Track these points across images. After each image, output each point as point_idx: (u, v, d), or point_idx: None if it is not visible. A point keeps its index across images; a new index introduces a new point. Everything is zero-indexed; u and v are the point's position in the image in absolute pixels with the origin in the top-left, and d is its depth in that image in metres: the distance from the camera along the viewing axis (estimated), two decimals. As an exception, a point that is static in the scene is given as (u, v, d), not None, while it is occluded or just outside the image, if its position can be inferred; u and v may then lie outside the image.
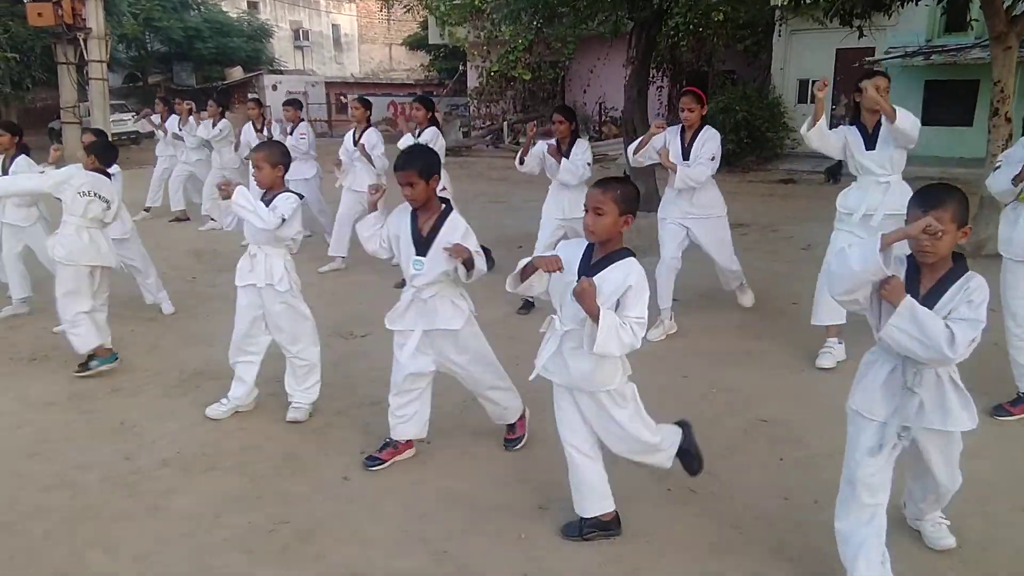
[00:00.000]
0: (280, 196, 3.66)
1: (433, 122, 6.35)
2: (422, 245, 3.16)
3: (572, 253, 2.65)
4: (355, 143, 6.93)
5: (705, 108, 4.94)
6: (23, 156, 5.59)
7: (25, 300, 5.82)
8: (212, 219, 9.24)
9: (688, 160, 4.89)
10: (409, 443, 3.42)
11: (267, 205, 3.63)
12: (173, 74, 28.57)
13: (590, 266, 2.58)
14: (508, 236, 8.31)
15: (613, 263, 2.55)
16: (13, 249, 5.63)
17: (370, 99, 7.24)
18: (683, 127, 4.95)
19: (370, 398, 4.12)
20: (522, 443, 3.56)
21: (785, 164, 15.18)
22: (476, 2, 21.54)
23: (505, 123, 19.76)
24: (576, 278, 2.49)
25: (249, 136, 8.55)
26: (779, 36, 16.95)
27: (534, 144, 5.57)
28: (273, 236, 3.65)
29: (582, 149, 5.54)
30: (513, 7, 10.79)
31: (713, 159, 4.85)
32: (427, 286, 3.17)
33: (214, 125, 9.06)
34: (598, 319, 2.40)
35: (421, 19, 33.06)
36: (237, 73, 27.91)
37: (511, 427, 3.57)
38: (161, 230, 9.13)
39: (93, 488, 3.27)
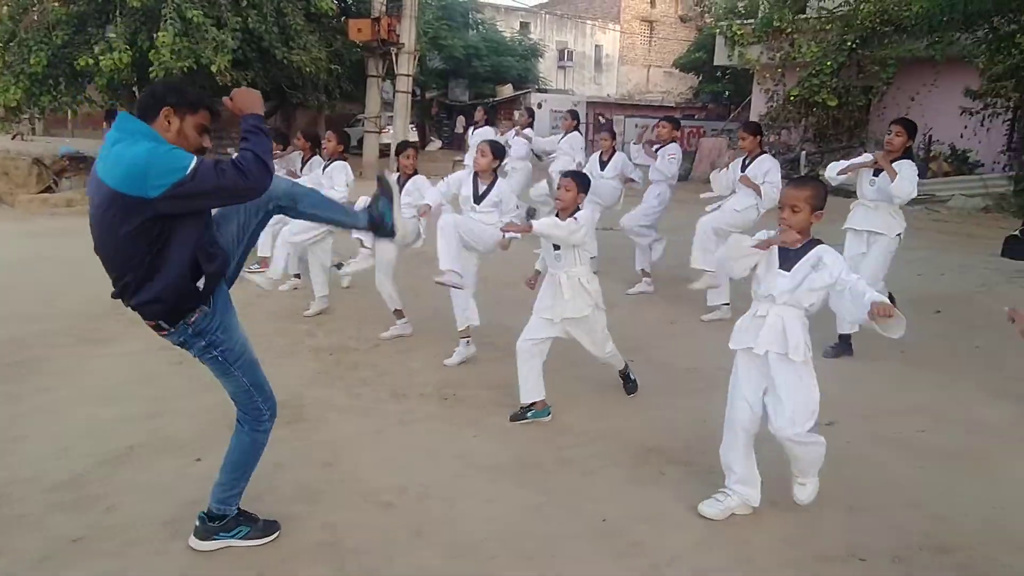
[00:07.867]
0: None
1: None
2: None
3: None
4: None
5: None
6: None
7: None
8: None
9: None
10: None
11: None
12: (448, 90, 29.79)
13: None
14: (923, 296, 6.66)
15: None
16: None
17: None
18: None
19: (890, 546, 2.82)
20: None
21: None
22: (775, 22, 19.85)
23: (803, 153, 17.71)
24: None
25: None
26: None
27: None
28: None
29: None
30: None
31: None
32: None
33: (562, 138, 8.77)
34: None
35: (691, 40, 31.95)
36: (507, 90, 28.41)
37: None
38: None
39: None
